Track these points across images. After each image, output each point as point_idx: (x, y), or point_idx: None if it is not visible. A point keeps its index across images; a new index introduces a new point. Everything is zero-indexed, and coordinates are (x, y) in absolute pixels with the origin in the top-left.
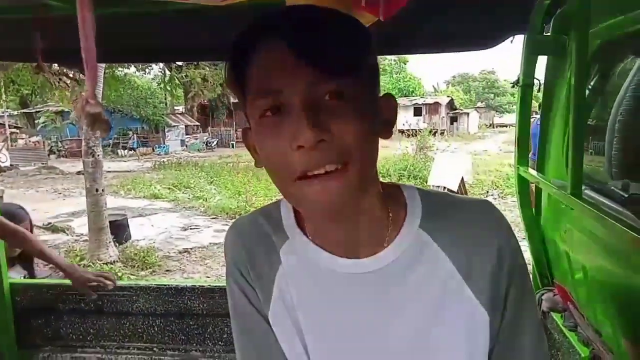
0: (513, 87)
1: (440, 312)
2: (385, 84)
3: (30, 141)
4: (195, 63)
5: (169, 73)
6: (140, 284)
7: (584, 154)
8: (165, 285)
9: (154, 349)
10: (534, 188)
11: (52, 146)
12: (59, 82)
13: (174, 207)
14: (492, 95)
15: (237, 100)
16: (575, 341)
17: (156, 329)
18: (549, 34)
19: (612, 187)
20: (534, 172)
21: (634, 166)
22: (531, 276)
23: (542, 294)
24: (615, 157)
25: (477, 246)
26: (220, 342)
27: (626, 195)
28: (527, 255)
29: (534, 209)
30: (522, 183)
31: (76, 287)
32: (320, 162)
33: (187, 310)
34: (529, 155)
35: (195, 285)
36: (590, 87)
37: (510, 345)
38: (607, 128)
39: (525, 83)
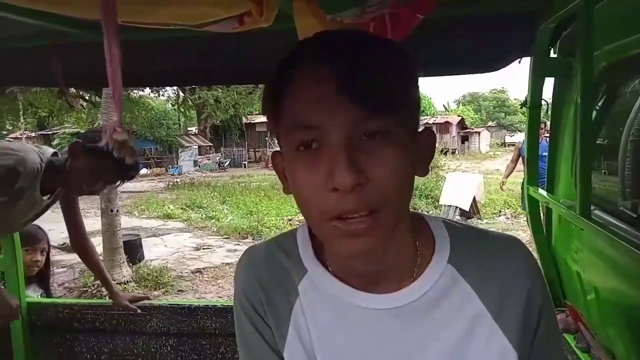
0: (521, 108)
1: (467, 349)
2: None
3: None
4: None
5: (183, 95)
6: (154, 304)
7: (592, 174)
8: (178, 305)
9: None
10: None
11: None
12: (75, 105)
13: (186, 227)
14: (502, 114)
15: (249, 121)
16: None
17: (169, 349)
18: (555, 55)
19: (622, 208)
20: (543, 193)
21: None
22: None
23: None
24: (628, 177)
25: (509, 285)
26: None
27: (635, 216)
28: None
29: (544, 229)
30: (533, 203)
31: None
32: (355, 207)
33: (200, 329)
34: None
35: (208, 305)
36: (597, 107)
37: None
38: (620, 148)
39: (533, 105)
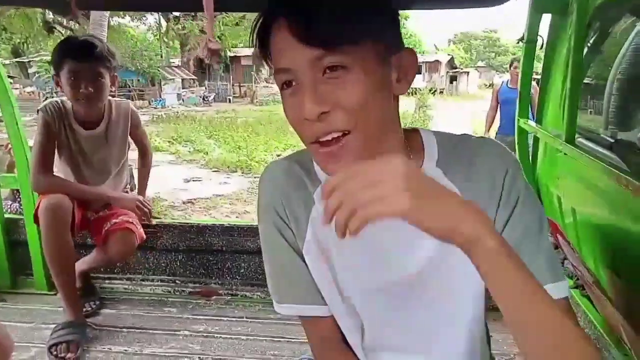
0: (518, 43)
1: None
2: None
3: (24, 91)
4: (193, 14)
5: (166, 24)
6: (164, 222)
7: (579, 105)
8: (187, 223)
9: (176, 281)
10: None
11: (47, 96)
12: (53, 32)
13: (175, 159)
14: (493, 54)
15: (234, 54)
16: None
17: (178, 264)
18: None
19: (603, 135)
20: (533, 124)
21: (628, 121)
22: None
23: None
24: (612, 114)
25: (487, 177)
26: (237, 276)
27: (613, 141)
28: None
29: (530, 159)
30: (522, 134)
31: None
32: (324, 131)
33: (208, 246)
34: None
35: (215, 224)
36: (589, 45)
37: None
38: (606, 86)
39: (529, 40)
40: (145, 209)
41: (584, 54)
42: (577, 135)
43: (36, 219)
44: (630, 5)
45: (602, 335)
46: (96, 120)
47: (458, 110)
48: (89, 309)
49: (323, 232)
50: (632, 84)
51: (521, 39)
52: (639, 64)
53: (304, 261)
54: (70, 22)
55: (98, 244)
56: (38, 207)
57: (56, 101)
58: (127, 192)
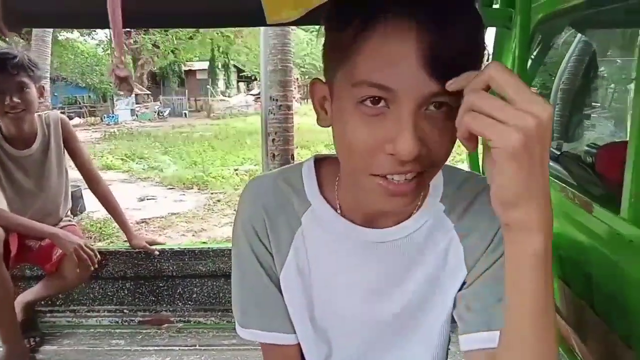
0: None
1: (440, 275)
2: None
3: None
4: (144, 29)
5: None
6: (110, 249)
7: None
8: (134, 249)
9: (125, 310)
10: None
11: None
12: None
13: (128, 177)
14: None
15: (189, 68)
16: None
17: (126, 292)
18: (497, 6)
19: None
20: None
21: (573, 130)
22: None
23: None
24: (556, 122)
25: (486, 217)
26: (189, 302)
27: (558, 153)
28: None
29: (481, 169)
30: None
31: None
32: (404, 171)
33: (157, 272)
34: None
35: (164, 249)
36: (533, 57)
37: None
38: (550, 96)
39: None
40: (85, 255)
41: (529, 65)
42: None
43: None
44: (571, 19)
45: None
46: (29, 138)
47: None
48: (28, 346)
49: (306, 258)
50: (573, 94)
51: None
52: (580, 75)
53: (278, 286)
54: (15, 38)
55: (49, 272)
56: None
57: None
58: (69, 216)
